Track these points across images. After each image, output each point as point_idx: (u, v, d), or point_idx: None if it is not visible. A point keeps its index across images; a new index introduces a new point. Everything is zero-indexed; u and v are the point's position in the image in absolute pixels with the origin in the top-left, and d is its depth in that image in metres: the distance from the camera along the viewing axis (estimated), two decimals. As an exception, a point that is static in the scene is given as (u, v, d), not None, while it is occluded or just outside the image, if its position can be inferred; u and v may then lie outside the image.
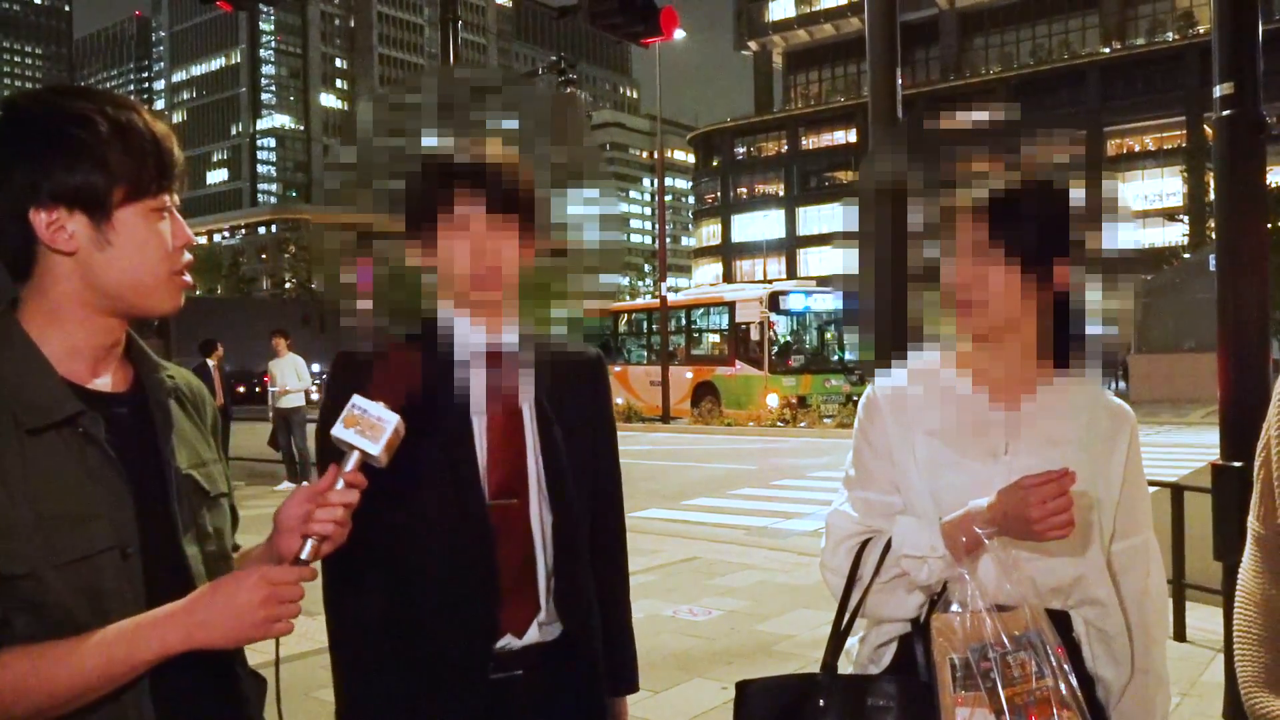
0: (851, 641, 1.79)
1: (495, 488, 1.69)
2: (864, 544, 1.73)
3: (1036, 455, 1.66)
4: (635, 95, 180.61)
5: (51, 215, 1.30)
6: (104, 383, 1.39)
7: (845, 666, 1.77)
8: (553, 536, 1.74)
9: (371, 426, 1.36)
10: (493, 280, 1.63)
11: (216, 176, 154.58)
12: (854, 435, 1.83)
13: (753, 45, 75.57)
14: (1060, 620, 1.67)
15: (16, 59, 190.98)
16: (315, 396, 13.12)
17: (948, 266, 1.63)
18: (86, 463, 1.30)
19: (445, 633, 1.66)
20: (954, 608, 1.60)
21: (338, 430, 1.37)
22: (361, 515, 1.41)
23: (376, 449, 1.35)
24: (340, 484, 1.36)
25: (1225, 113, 4.40)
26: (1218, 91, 4.40)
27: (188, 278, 1.42)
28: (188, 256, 1.41)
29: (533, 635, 1.72)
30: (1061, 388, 1.70)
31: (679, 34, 26.96)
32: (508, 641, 1.70)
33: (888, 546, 1.69)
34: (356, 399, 1.37)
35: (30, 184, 1.30)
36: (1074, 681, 1.54)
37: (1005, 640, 1.55)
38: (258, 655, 1.51)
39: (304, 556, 1.34)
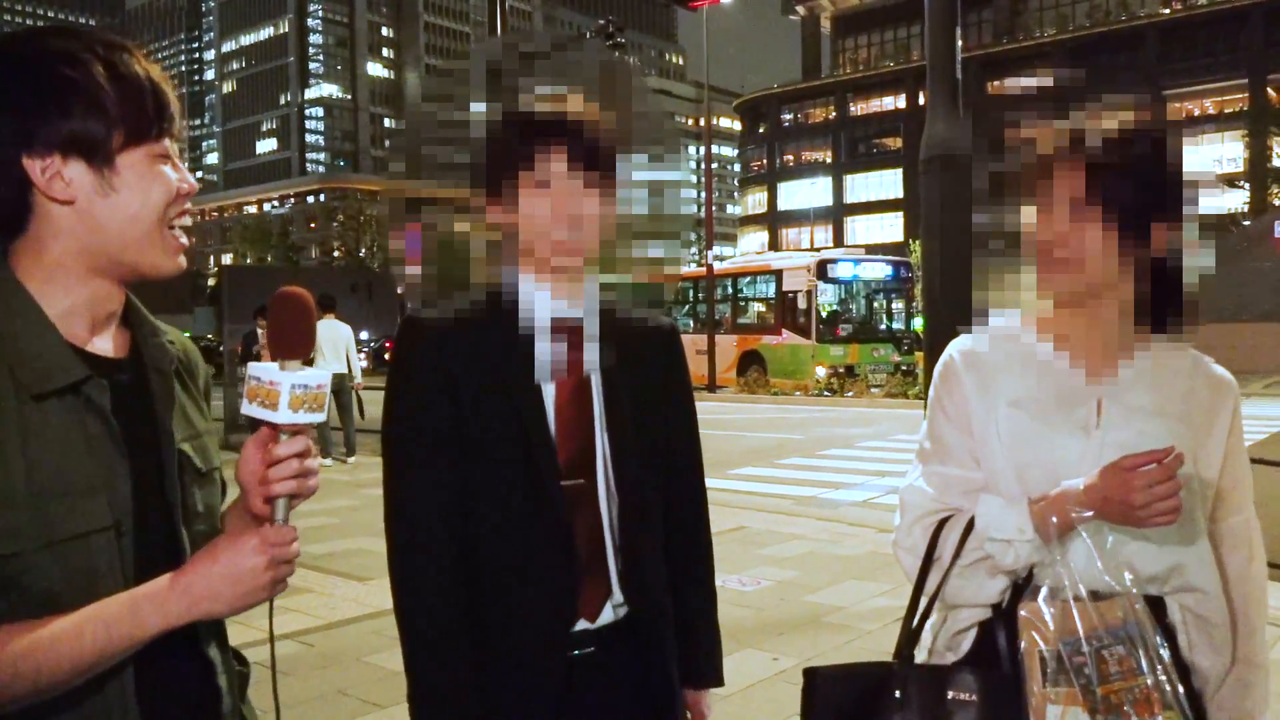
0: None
1: (564, 468, 1.62)
2: (941, 522, 1.62)
3: (1131, 429, 1.53)
4: (681, 62, 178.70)
5: (46, 161, 1.21)
6: (104, 346, 1.29)
7: (919, 653, 1.66)
8: (619, 516, 1.66)
9: (267, 393, 1.26)
10: (576, 245, 1.56)
11: (265, 146, 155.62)
12: (929, 404, 1.71)
13: (800, 10, 74.49)
14: (1154, 605, 1.54)
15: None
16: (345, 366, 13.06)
17: (1044, 224, 1.51)
18: (86, 432, 1.21)
19: (521, 618, 1.59)
20: (1043, 594, 1.48)
21: (244, 408, 1.28)
22: (433, 488, 1.48)
23: (278, 416, 1.25)
24: (284, 440, 1.27)
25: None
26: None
27: (184, 239, 1.32)
28: (188, 209, 1.32)
29: (606, 617, 1.65)
30: (1158, 355, 1.57)
31: (726, -3, 26.81)
32: (581, 625, 1.63)
33: (969, 527, 1.57)
34: (252, 367, 1.27)
35: (22, 129, 1.21)
36: (1177, 680, 1.41)
37: (1101, 632, 1.42)
38: (255, 632, 1.42)
39: (279, 519, 1.27)
